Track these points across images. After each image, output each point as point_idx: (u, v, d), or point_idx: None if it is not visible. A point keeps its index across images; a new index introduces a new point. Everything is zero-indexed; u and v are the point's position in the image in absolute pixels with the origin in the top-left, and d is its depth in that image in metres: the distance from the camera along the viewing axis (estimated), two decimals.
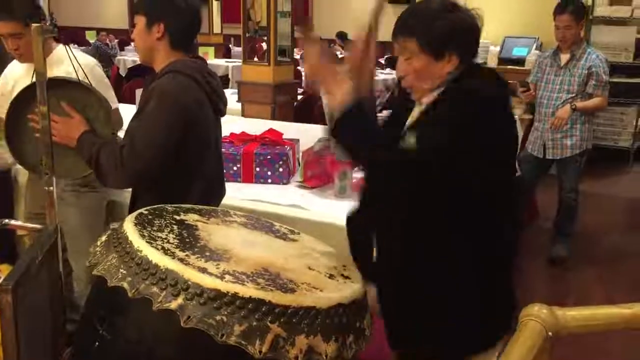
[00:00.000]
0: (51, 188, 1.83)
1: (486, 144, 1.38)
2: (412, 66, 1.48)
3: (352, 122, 1.39)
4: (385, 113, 4.14)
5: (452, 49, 1.45)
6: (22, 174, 2.85)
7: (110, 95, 2.48)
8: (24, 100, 1.98)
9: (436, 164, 1.34)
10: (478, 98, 1.40)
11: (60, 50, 2.45)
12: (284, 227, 1.76)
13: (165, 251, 1.31)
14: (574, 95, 3.74)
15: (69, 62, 2.09)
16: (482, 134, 1.37)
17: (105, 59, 9.11)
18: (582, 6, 3.85)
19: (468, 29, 1.47)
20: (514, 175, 1.60)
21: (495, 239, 1.51)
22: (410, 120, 1.57)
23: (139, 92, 3.13)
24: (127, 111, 2.74)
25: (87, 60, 2.47)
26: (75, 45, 8.15)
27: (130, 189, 2.07)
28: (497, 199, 1.47)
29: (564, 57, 3.79)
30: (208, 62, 2.46)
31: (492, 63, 6.70)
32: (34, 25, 1.74)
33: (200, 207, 1.74)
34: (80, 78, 2.02)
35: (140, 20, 1.95)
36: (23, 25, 2.29)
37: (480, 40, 1.53)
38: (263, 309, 1.22)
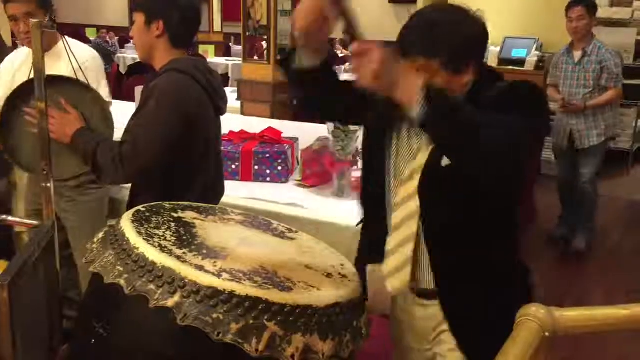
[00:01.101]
0: (48, 185, 1.83)
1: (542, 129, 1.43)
2: None
3: (442, 111, 1.22)
4: None
5: (470, 60, 1.41)
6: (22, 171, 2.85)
7: (105, 91, 2.49)
8: (19, 97, 1.97)
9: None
10: (532, 91, 1.40)
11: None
12: (282, 226, 1.75)
13: (162, 249, 1.30)
14: (591, 89, 3.98)
15: (74, 53, 2.09)
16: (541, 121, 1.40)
17: (105, 56, 9.07)
18: (594, 3, 4.09)
19: (481, 37, 1.44)
20: None
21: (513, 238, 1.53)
22: None
23: (138, 90, 3.13)
24: (127, 109, 2.73)
25: (89, 54, 2.48)
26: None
27: (129, 186, 2.07)
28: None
29: (577, 54, 4.03)
30: (208, 60, 2.46)
31: (493, 64, 6.68)
32: (32, 20, 1.74)
33: (198, 204, 1.74)
34: (76, 73, 2.01)
35: (140, 18, 1.94)
36: (36, 6, 2.30)
37: None
38: (260, 307, 1.21)
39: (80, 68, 2.05)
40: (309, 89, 1.52)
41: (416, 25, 1.43)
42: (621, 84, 4.01)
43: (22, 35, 2.41)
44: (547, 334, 1.07)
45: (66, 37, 2.22)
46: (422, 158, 1.47)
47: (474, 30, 1.42)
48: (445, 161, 1.41)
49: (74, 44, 2.33)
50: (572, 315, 1.13)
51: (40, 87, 1.76)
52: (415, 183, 1.47)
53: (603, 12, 6.07)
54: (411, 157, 1.49)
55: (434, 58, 1.37)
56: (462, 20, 1.42)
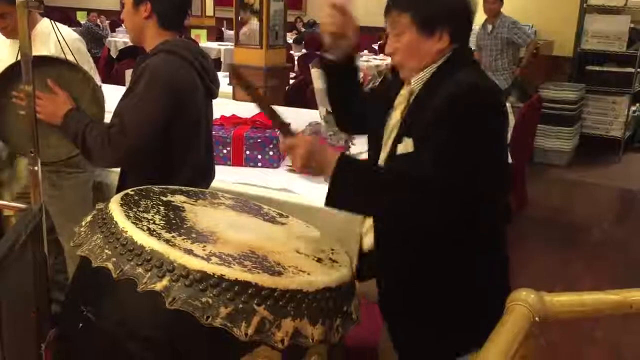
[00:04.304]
0: (36, 168, 1.80)
1: (493, 146, 1.37)
2: (401, 42, 1.44)
3: (349, 180, 1.41)
4: None
5: (444, 27, 1.41)
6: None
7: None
8: (7, 78, 1.94)
9: (459, 183, 1.31)
10: (481, 99, 1.36)
11: (44, 24, 2.42)
12: (273, 210, 1.74)
13: (151, 232, 1.29)
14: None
15: (53, 36, 2.06)
16: (490, 137, 1.35)
17: (96, 40, 8.99)
18: None
19: (462, 9, 1.44)
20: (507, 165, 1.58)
21: (492, 231, 1.50)
22: (398, 99, 1.54)
23: (128, 73, 3.10)
24: (118, 93, 2.70)
25: (71, 36, 2.44)
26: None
27: (118, 170, 2.05)
28: (496, 194, 1.46)
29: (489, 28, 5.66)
30: (200, 45, 2.43)
31: None
32: (18, 0, 1.70)
33: (188, 188, 1.72)
34: (65, 54, 1.98)
35: (128, 0, 1.92)
36: (9, 5, 2.27)
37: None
38: (249, 292, 1.20)
39: (69, 47, 2.02)
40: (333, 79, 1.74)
41: None
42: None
43: (1, 30, 2.42)
44: (537, 318, 1.06)
45: (51, 20, 2.19)
46: (386, 148, 1.52)
47: (452, 0, 1.44)
48: (399, 149, 1.45)
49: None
50: (563, 300, 1.13)
51: (28, 69, 1.73)
52: None
53: None
54: (385, 148, 1.54)
55: (405, 12, 1.43)
56: None
